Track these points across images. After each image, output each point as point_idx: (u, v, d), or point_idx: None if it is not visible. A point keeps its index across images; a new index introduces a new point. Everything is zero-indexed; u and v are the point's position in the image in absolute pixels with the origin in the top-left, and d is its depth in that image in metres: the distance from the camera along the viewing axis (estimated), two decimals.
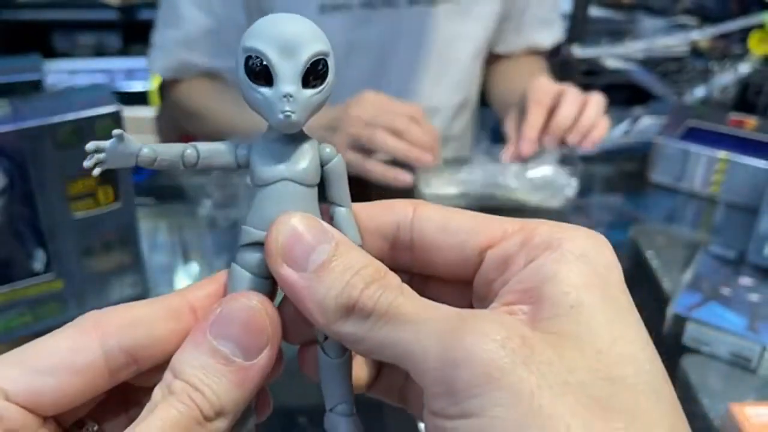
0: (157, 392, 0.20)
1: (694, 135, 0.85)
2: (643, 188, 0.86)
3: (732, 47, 1.32)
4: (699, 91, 1.29)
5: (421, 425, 0.55)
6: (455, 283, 0.24)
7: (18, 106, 0.58)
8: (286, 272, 0.20)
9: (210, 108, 0.92)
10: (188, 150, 0.23)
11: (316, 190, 0.23)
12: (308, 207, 0.22)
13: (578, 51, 1.31)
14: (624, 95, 1.39)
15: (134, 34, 1.79)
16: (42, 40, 1.77)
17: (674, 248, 0.75)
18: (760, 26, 1.25)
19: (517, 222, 0.22)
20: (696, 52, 1.36)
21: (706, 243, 0.73)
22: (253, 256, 0.22)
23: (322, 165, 0.23)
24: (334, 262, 0.20)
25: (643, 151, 0.89)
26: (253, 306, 0.21)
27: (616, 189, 0.90)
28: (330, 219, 0.23)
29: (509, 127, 0.84)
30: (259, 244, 0.22)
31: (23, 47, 0.99)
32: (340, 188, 0.23)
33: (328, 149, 0.23)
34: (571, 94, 0.80)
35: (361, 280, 0.20)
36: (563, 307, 0.19)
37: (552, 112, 0.79)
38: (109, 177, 0.60)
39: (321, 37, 0.22)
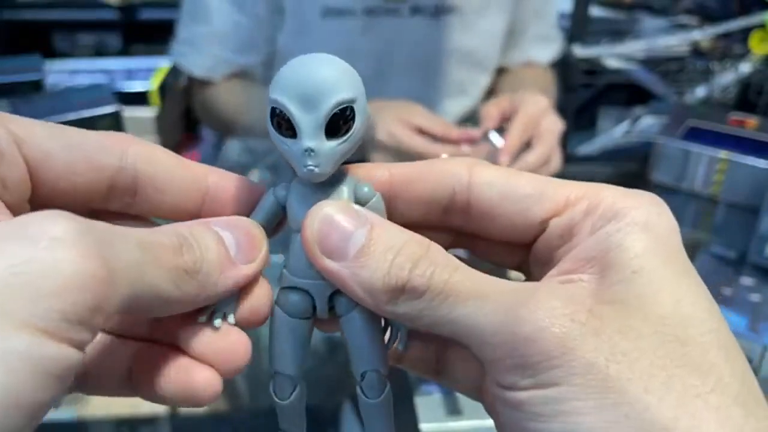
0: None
1: (695, 135, 0.85)
2: (644, 188, 0.86)
3: (733, 47, 1.32)
4: (700, 91, 1.29)
5: (422, 425, 0.55)
6: (508, 244, 0.24)
7: (18, 106, 0.58)
8: (327, 264, 0.20)
9: (241, 117, 0.92)
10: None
11: None
12: None
13: (578, 51, 1.31)
14: (624, 95, 1.39)
15: (134, 34, 1.79)
16: (42, 40, 1.77)
17: None
18: (761, 26, 1.25)
19: (580, 187, 0.22)
20: (697, 51, 1.36)
21: (707, 243, 0.73)
22: (290, 300, 0.23)
23: (362, 204, 0.22)
24: (374, 245, 0.20)
25: (644, 151, 0.89)
26: (255, 226, 0.22)
27: None
28: None
29: (487, 111, 0.80)
30: (296, 288, 0.23)
31: (24, 47, 0.99)
32: None
33: (366, 189, 0.22)
34: (543, 143, 0.77)
35: (406, 259, 0.20)
36: (626, 273, 0.19)
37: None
38: None
39: (347, 81, 0.21)
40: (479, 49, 0.97)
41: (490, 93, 1.04)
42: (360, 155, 0.87)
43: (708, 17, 1.41)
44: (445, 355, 0.24)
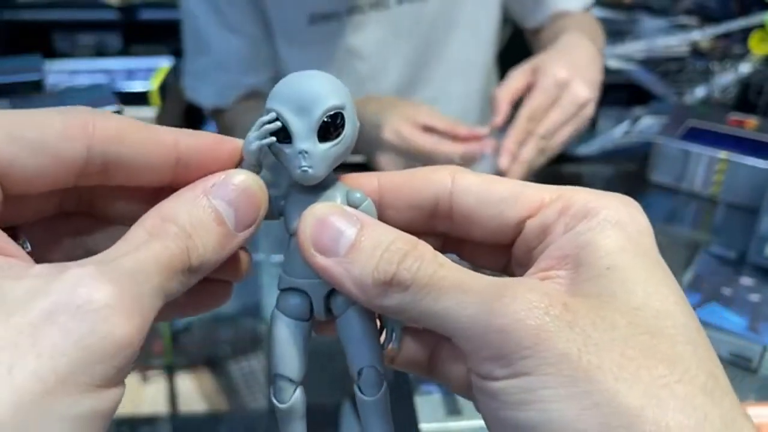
0: (140, 232, 0.20)
1: (695, 135, 0.85)
2: (644, 188, 0.86)
3: (733, 47, 1.32)
4: (699, 91, 1.29)
5: (422, 425, 0.55)
6: (492, 247, 0.25)
7: (19, 106, 0.58)
8: (320, 260, 0.21)
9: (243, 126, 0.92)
10: None
11: None
12: None
13: None
14: (624, 95, 1.39)
15: (134, 34, 1.79)
16: (42, 41, 1.77)
17: (674, 248, 0.75)
18: (761, 26, 1.25)
19: (554, 190, 0.23)
20: (696, 52, 1.36)
21: (707, 243, 0.73)
22: (288, 302, 0.24)
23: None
24: (363, 242, 0.21)
25: (644, 151, 0.89)
26: (254, 181, 0.22)
27: (616, 189, 0.89)
28: None
29: (498, 100, 0.77)
30: (295, 290, 0.24)
31: (24, 47, 0.99)
32: None
33: (357, 194, 0.24)
34: (564, 104, 0.75)
35: (394, 254, 0.21)
36: (599, 269, 0.20)
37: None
38: None
39: (336, 91, 0.23)
40: (475, 22, 0.95)
41: (504, 68, 1.01)
42: (365, 157, 0.86)
43: (708, 17, 1.41)
44: (437, 354, 0.25)
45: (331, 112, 0.22)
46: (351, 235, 0.21)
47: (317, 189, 0.24)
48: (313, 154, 0.22)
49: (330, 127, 0.23)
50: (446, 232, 0.25)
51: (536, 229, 0.23)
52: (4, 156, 0.19)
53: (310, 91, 0.22)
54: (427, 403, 0.55)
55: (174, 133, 0.22)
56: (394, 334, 0.24)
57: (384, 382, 0.24)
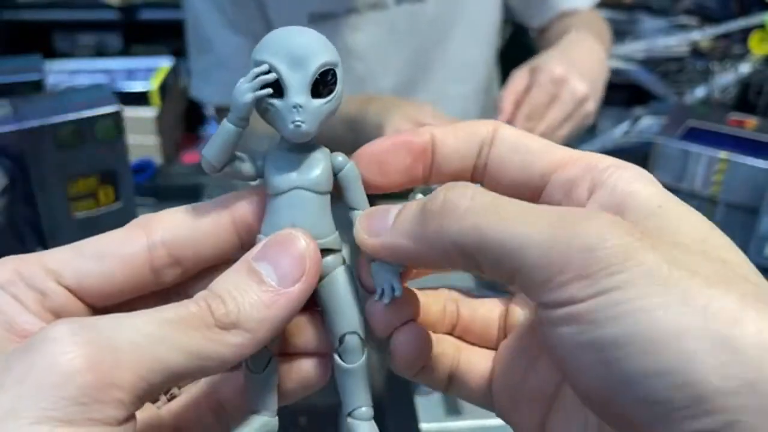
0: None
1: (695, 135, 0.85)
2: None
3: (732, 47, 1.32)
4: (699, 92, 1.29)
5: (422, 425, 0.55)
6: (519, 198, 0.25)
7: (19, 106, 0.58)
8: (373, 241, 0.22)
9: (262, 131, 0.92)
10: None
11: (328, 197, 0.24)
12: (321, 214, 0.23)
13: None
14: (624, 95, 1.39)
15: (135, 34, 1.79)
16: (43, 41, 1.77)
17: None
18: (761, 26, 1.25)
19: (580, 152, 0.23)
20: (696, 52, 1.36)
21: None
22: None
23: (336, 173, 0.24)
24: (404, 211, 0.22)
25: (643, 151, 0.89)
26: (296, 235, 0.22)
27: None
28: (350, 223, 0.24)
29: (503, 103, 0.77)
30: None
31: (24, 47, 0.99)
32: (357, 193, 0.24)
33: (340, 158, 0.24)
34: (558, 108, 0.76)
35: (433, 204, 0.21)
36: (651, 208, 0.20)
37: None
38: (109, 177, 0.60)
39: (329, 48, 0.22)
40: (474, 22, 0.95)
41: (504, 68, 1.00)
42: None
43: (708, 18, 1.41)
44: (457, 369, 0.25)
45: (326, 68, 0.22)
46: (394, 208, 0.22)
47: (301, 150, 0.23)
48: (307, 108, 0.22)
49: (322, 84, 0.22)
50: (482, 183, 0.25)
51: (562, 183, 0.23)
52: (79, 274, 0.22)
53: (306, 44, 0.22)
54: (427, 403, 0.55)
55: (222, 204, 0.24)
56: (393, 285, 0.23)
57: (365, 350, 0.24)
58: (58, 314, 0.22)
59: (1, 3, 1.69)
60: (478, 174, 0.25)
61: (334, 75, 0.22)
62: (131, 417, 0.19)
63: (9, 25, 1.72)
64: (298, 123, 0.22)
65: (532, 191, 0.24)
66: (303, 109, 0.22)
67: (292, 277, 0.21)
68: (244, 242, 0.24)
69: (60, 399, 0.17)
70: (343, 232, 0.24)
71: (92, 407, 0.17)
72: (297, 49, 0.22)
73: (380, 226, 0.22)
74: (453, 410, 0.54)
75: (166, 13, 1.63)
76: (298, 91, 0.22)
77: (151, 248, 0.23)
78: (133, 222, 0.24)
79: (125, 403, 0.18)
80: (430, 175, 0.25)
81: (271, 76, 0.22)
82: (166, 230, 0.23)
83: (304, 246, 0.22)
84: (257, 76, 0.22)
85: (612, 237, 0.18)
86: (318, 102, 0.22)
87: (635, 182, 0.21)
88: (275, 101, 0.22)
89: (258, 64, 0.22)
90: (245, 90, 0.22)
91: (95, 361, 0.18)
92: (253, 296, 0.21)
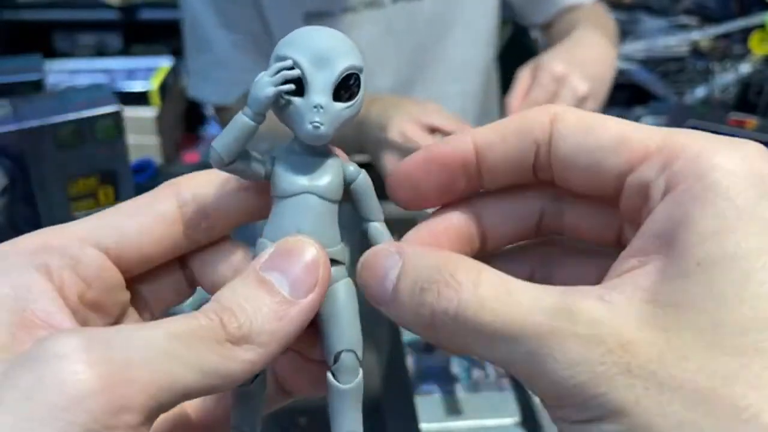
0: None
1: None
2: None
3: (733, 47, 1.32)
4: (700, 91, 1.29)
5: (422, 425, 0.55)
6: (598, 203, 0.21)
7: (19, 106, 0.58)
8: (380, 308, 0.20)
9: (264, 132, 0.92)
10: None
11: (336, 207, 0.22)
12: (328, 223, 0.22)
13: None
14: (624, 95, 1.39)
15: (135, 34, 1.79)
16: (43, 40, 1.77)
17: None
18: (761, 26, 1.25)
19: (662, 137, 0.19)
20: (697, 52, 1.36)
21: None
22: None
23: (348, 184, 0.23)
24: (402, 283, 0.20)
25: None
26: (306, 242, 0.21)
27: None
28: (364, 235, 0.23)
29: (513, 99, 0.76)
30: None
31: (24, 47, 0.99)
32: (370, 204, 0.23)
33: (352, 167, 0.23)
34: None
35: (428, 292, 0.19)
36: (689, 263, 0.16)
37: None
38: (109, 177, 0.60)
39: (356, 52, 0.22)
40: (472, 22, 0.94)
41: (504, 68, 1.00)
42: (370, 157, 0.84)
43: (708, 18, 1.41)
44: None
45: (351, 72, 0.21)
46: (392, 279, 0.20)
47: (314, 154, 0.22)
48: (327, 110, 0.21)
49: (344, 88, 0.21)
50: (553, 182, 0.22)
51: (635, 188, 0.19)
52: (115, 231, 0.22)
53: (333, 45, 0.21)
54: (427, 403, 0.55)
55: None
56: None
57: (360, 371, 0.22)
58: (90, 284, 0.21)
59: (1, 3, 1.69)
60: (544, 173, 0.21)
61: (358, 80, 0.21)
62: None
63: (9, 25, 1.72)
64: (317, 124, 0.21)
65: (608, 194, 0.20)
66: (323, 111, 0.21)
67: (305, 286, 0.20)
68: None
69: (69, 424, 0.16)
70: (347, 233, 0.23)
71: None
72: (323, 48, 0.21)
73: (382, 296, 0.20)
74: (453, 410, 0.54)
75: (165, 13, 1.63)
76: (320, 91, 0.21)
77: (182, 205, 0.22)
78: (162, 184, 0.23)
79: (134, 427, 0.17)
80: (480, 185, 0.22)
81: (295, 72, 0.21)
82: (194, 188, 0.23)
83: (316, 254, 0.21)
84: (280, 70, 0.21)
85: (576, 373, 0.17)
86: (339, 105, 0.21)
87: (701, 203, 0.17)
88: (295, 99, 0.21)
89: (281, 59, 0.21)
90: (266, 83, 0.21)
91: (108, 383, 0.16)
92: (264, 308, 0.19)
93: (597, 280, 0.20)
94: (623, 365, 0.16)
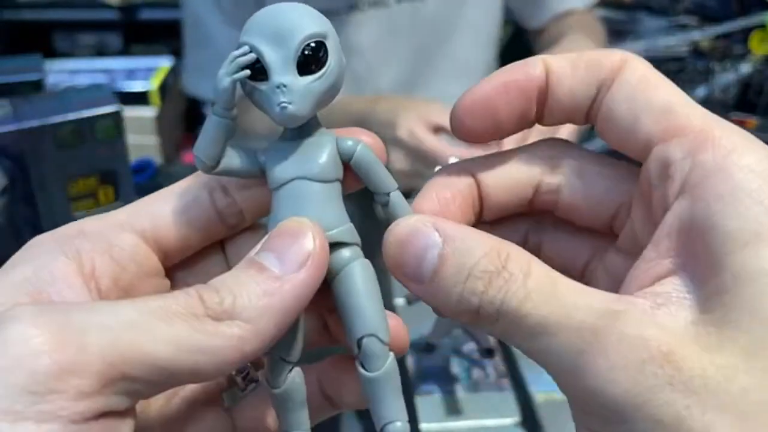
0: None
1: None
2: None
3: (733, 47, 1.32)
4: (700, 91, 1.29)
5: (422, 425, 0.55)
6: (602, 184, 0.21)
7: (19, 106, 0.58)
8: (413, 289, 0.19)
9: (261, 127, 0.92)
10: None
11: (337, 186, 0.21)
12: (327, 204, 0.21)
13: None
14: None
15: (135, 34, 1.79)
16: (43, 40, 1.77)
17: None
18: (761, 26, 1.25)
19: (702, 118, 0.18)
20: (697, 52, 1.36)
21: None
22: None
23: (347, 160, 0.21)
24: (446, 266, 0.19)
25: None
26: (297, 220, 0.20)
27: None
28: (382, 209, 0.22)
29: None
30: None
31: (24, 47, 0.99)
32: (378, 175, 0.22)
33: (349, 141, 0.21)
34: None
35: (478, 281, 0.18)
36: (725, 276, 0.16)
37: None
38: (109, 177, 0.60)
39: (316, 19, 0.20)
40: (475, 22, 0.94)
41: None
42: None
43: (708, 17, 1.41)
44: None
45: (312, 42, 0.20)
46: (432, 260, 0.19)
47: (302, 136, 0.21)
48: (292, 88, 0.20)
49: (311, 59, 0.20)
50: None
51: (659, 160, 0.18)
52: (151, 215, 0.22)
53: (287, 18, 0.20)
54: (427, 403, 0.55)
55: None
56: None
57: (390, 354, 0.21)
58: (124, 268, 0.21)
59: (1, 3, 1.69)
60: (593, 117, 0.21)
61: (325, 48, 0.20)
62: (106, 414, 0.16)
63: (9, 25, 1.72)
64: (284, 104, 0.20)
65: (635, 155, 0.20)
66: (288, 89, 0.20)
67: (297, 260, 0.19)
68: None
69: (9, 385, 0.15)
70: (365, 218, 0.22)
71: (45, 397, 0.15)
72: (278, 25, 0.20)
73: (416, 275, 0.19)
74: (453, 410, 0.54)
75: (165, 12, 1.63)
76: (280, 70, 0.20)
77: (212, 191, 0.22)
78: (190, 175, 0.23)
79: (89, 394, 0.16)
80: (541, 118, 0.21)
81: (250, 57, 0.20)
82: (221, 177, 0.23)
83: (308, 226, 0.20)
84: (235, 58, 0.20)
85: (619, 381, 0.16)
86: (307, 79, 0.20)
87: (728, 205, 0.16)
88: (261, 85, 0.20)
89: (240, 46, 0.20)
90: (223, 75, 0.20)
91: (56, 346, 0.15)
92: (251, 285, 0.18)
93: (587, 253, 0.20)
94: (666, 377, 0.16)
